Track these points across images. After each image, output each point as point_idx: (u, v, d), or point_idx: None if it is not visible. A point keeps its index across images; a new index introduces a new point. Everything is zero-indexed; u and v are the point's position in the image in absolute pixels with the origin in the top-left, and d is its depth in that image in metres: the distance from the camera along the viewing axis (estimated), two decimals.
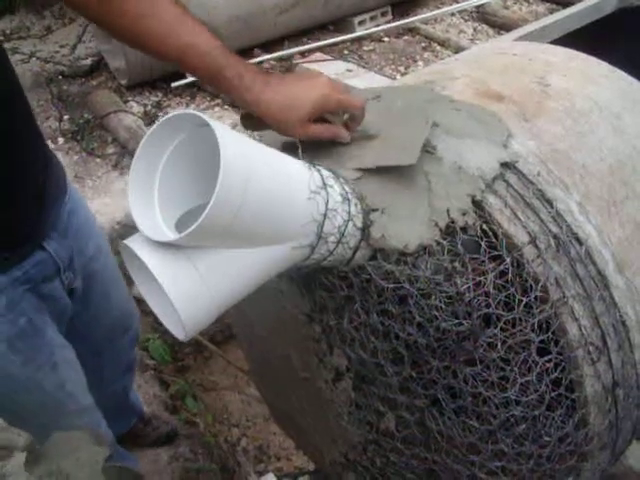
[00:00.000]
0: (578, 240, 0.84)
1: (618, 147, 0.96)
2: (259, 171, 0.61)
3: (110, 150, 3.08)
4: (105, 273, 1.31)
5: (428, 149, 0.85)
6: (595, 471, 0.90)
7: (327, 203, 0.70)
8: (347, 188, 0.76)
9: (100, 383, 1.55)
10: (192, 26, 0.80)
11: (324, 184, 0.71)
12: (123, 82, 3.49)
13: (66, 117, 3.32)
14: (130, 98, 3.43)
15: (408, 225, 0.78)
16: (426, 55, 3.92)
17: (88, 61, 3.78)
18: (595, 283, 0.84)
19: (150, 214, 0.63)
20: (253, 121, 0.82)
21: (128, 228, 2.49)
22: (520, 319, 0.77)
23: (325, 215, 0.69)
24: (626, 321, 0.86)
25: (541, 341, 0.78)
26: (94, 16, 0.84)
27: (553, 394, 0.79)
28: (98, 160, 3.03)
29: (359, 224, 0.75)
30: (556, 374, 0.79)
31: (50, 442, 0.86)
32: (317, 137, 0.81)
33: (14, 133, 0.95)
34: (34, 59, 3.84)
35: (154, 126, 0.63)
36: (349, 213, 0.74)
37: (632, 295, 0.88)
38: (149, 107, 3.35)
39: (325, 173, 0.74)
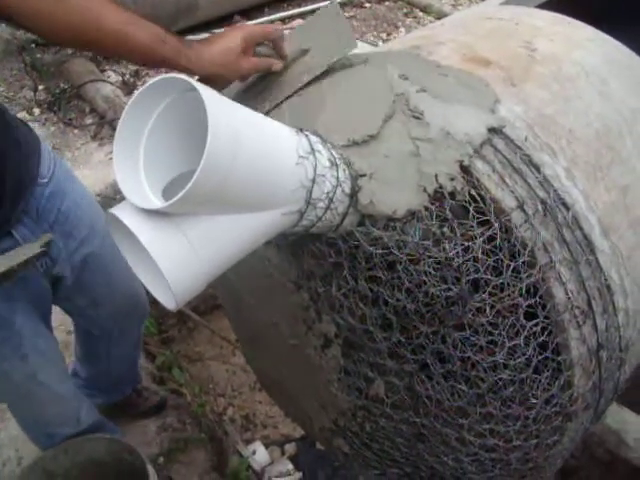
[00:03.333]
0: (565, 205, 0.84)
1: (604, 112, 0.96)
2: (247, 135, 0.60)
3: (88, 120, 3.02)
4: (102, 254, 1.25)
5: (415, 114, 0.84)
6: (578, 430, 0.93)
7: (315, 168, 0.69)
8: (335, 153, 0.75)
9: (109, 358, 1.54)
10: (123, 13, 0.80)
11: (312, 149, 0.70)
12: None
13: (41, 87, 3.23)
14: (107, 67, 3.34)
15: (396, 191, 0.77)
16: (408, 21, 3.87)
17: None
18: (581, 248, 0.85)
19: (136, 181, 0.62)
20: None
21: (109, 200, 2.45)
22: (508, 284, 0.77)
23: (314, 181, 0.69)
24: (611, 285, 0.87)
25: (528, 305, 0.79)
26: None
27: (540, 357, 0.80)
28: (76, 131, 2.96)
29: (347, 190, 0.75)
30: (543, 337, 0.80)
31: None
32: (257, 69, 0.91)
33: None
34: (3, 26, 3.71)
35: (139, 91, 0.61)
36: (337, 179, 0.73)
37: (617, 259, 0.89)
38: (127, 76, 3.27)
39: (313, 138, 0.73)
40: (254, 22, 3.65)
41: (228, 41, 0.85)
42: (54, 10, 0.77)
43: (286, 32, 0.97)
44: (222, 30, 0.90)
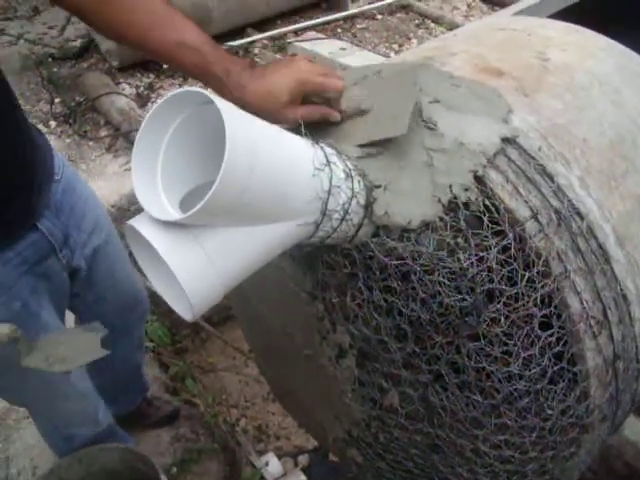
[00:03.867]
0: (579, 214, 0.84)
1: (618, 121, 0.96)
2: (264, 148, 0.60)
3: (103, 133, 3.05)
4: (108, 249, 1.31)
5: (429, 125, 0.84)
6: (595, 442, 0.92)
7: (331, 180, 0.70)
8: (350, 165, 0.75)
9: (113, 360, 1.55)
10: (178, 21, 0.80)
11: (327, 161, 0.71)
12: (114, 64, 3.45)
13: (57, 100, 3.28)
14: (122, 80, 3.39)
15: (411, 201, 0.78)
16: (420, 32, 3.88)
17: (78, 43, 3.73)
18: (596, 257, 0.84)
19: (154, 193, 0.62)
20: None
21: (123, 211, 2.48)
22: (523, 294, 0.77)
23: (329, 192, 0.69)
24: (627, 295, 0.87)
25: (543, 315, 0.78)
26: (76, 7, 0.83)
27: (555, 368, 0.80)
28: (91, 143, 3.00)
29: (362, 201, 0.75)
30: (558, 348, 0.79)
31: (41, 341, 0.87)
32: (307, 118, 0.81)
33: None
34: (22, 41, 3.78)
35: (157, 104, 0.62)
36: (352, 190, 0.73)
37: (632, 269, 0.88)
38: (141, 89, 3.31)
39: (328, 150, 0.74)
40: (266, 35, 3.68)
41: (275, 88, 0.78)
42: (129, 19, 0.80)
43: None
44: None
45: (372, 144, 0.80)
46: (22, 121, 1.02)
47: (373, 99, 0.86)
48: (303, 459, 2.07)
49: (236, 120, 0.56)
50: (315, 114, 0.83)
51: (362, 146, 0.80)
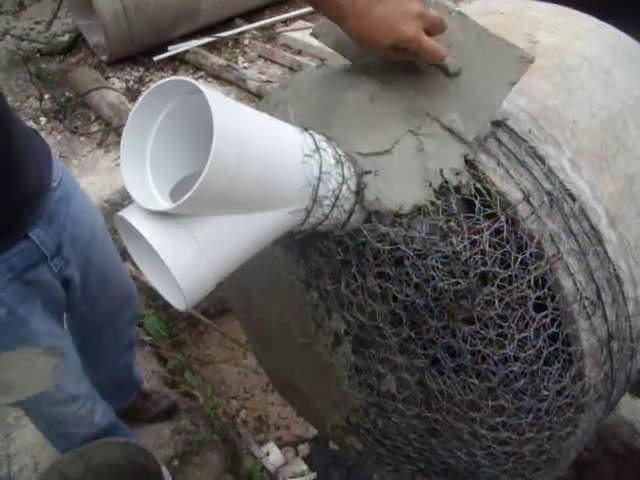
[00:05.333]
0: (571, 196, 0.84)
1: (608, 102, 0.96)
2: (252, 135, 0.60)
3: (94, 128, 3.04)
4: (103, 255, 1.31)
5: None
6: (591, 422, 0.92)
7: (321, 166, 0.69)
8: (340, 151, 0.75)
9: (102, 361, 1.56)
10: None
11: (317, 147, 0.71)
12: (103, 58, 3.42)
13: (47, 96, 3.25)
14: (111, 74, 3.37)
15: (402, 186, 0.77)
16: None
17: (65, 37, 3.70)
18: (589, 238, 0.84)
19: (144, 184, 0.62)
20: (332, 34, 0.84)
21: (116, 206, 2.47)
22: (516, 276, 0.77)
23: (319, 178, 0.69)
24: (620, 275, 0.87)
25: (537, 297, 0.79)
26: None
27: (550, 349, 0.80)
28: (82, 138, 2.99)
29: (353, 187, 0.75)
30: (553, 329, 0.80)
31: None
32: (426, 52, 0.78)
33: None
34: (8, 37, 3.74)
35: (144, 94, 0.62)
36: (343, 176, 0.73)
37: (625, 249, 0.89)
38: (131, 83, 3.29)
39: (318, 137, 0.74)
40: (255, 25, 3.66)
41: (392, 29, 0.76)
42: None
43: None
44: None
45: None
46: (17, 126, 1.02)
47: (466, 65, 0.82)
48: (304, 448, 2.08)
49: (223, 108, 0.56)
50: (438, 52, 0.79)
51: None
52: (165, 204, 0.61)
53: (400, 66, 0.84)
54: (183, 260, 0.60)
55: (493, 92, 0.80)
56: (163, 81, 0.61)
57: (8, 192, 1.00)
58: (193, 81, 0.59)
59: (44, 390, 0.89)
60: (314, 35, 0.94)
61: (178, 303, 0.65)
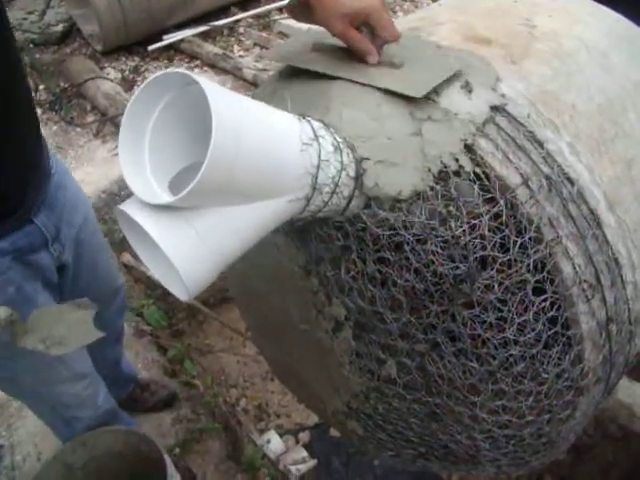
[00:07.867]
0: (570, 180, 0.85)
1: (607, 86, 0.96)
2: (251, 125, 0.60)
3: (90, 118, 3.03)
4: (92, 241, 1.33)
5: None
6: (590, 404, 0.93)
7: (320, 154, 0.69)
8: (338, 138, 0.75)
9: (90, 354, 1.56)
10: None
11: (315, 135, 0.71)
12: (98, 48, 3.40)
13: (41, 87, 3.24)
14: (106, 64, 3.35)
15: (401, 172, 0.78)
16: (406, 6, 3.85)
17: (59, 27, 3.67)
18: (587, 222, 0.85)
19: (143, 177, 0.62)
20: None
21: (113, 196, 2.47)
22: (515, 260, 0.78)
23: (318, 166, 0.69)
24: (618, 258, 0.87)
25: (537, 281, 0.79)
26: None
27: (550, 332, 0.80)
28: (78, 129, 2.98)
29: (352, 173, 0.75)
30: (552, 312, 0.80)
31: (33, 317, 0.88)
32: (349, 42, 0.79)
33: (14, 108, 0.95)
34: None
35: (141, 86, 0.62)
36: (342, 163, 0.73)
37: (623, 233, 0.89)
38: (127, 72, 3.28)
39: (316, 124, 0.73)
40: (250, 13, 3.64)
41: None
42: None
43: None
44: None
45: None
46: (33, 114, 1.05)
47: (406, 59, 0.85)
48: (304, 436, 2.10)
49: (221, 99, 0.56)
50: (358, 44, 0.79)
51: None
52: (165, 197, 0.61)
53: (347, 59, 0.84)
54: (184, 252, 0.60)
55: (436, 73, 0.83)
56: (159, 74, 0.61)
57: (23, 176, 1.04)
58: (189, 73, 0.59)
59: (91, 341, 0.93)
60: (260, 57, 0.94)
61: (181, 294, 0.65)
